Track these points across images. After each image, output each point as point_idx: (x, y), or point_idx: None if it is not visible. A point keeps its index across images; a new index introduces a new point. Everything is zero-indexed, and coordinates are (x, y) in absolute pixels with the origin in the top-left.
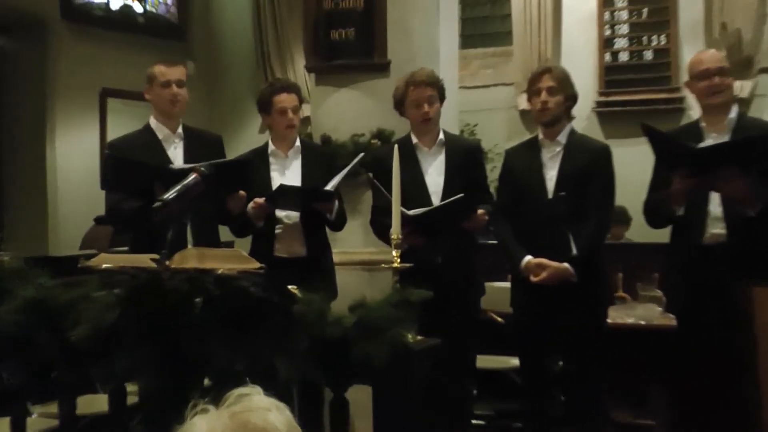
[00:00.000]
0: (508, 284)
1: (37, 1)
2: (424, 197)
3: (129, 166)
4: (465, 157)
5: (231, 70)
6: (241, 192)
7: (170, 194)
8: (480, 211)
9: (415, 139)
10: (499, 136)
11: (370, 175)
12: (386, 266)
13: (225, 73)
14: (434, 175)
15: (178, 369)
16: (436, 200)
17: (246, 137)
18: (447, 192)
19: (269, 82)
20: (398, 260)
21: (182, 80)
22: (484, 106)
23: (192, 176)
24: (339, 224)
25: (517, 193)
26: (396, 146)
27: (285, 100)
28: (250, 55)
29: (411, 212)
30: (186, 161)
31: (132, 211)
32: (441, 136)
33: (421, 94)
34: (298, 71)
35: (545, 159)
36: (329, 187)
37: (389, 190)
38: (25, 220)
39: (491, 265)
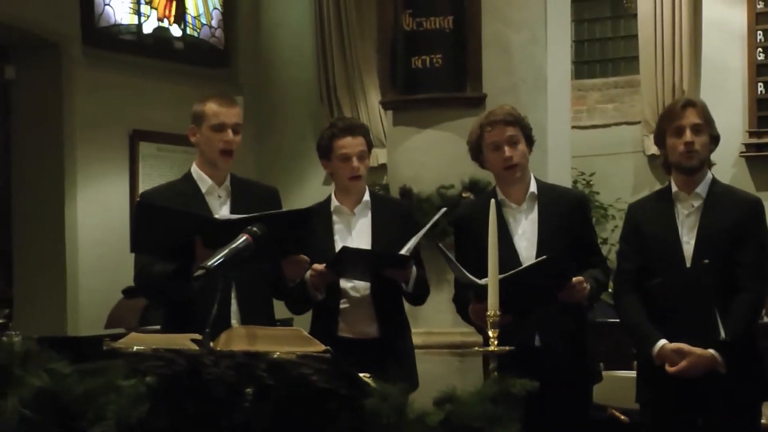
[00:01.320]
0: (633, 374)
1: (52, 21)
2: (514, 265)
3: (162, 216)
4: (566, 213)
5: (287, 105)
6: (303, 256)
7: (214, 260)
8: (578, 279)
9: (500, 194)
10: (622, 188)
11: (444, 242)
12: (481, 350)
13: (280, 110)
14: (527, 236)
15: None
16: None
17: (306, 190)
18: (543, 256)
19: (330, 123)
20: (496, 342)
21: (239, 124)
22: (604, 151)
23: (242, 238)
24: (419, 297)
25: (645, 259)
26: (492, 201)
27: (348, 145)
28: (311, 88)
29: (484, 281)
30: None
31: (164, 275)
32: (533, 187)
33: (499, 135)
34: (372, 107)
35: (681, 217)
36: (404, 250)
37: (475, 258)
38: (39, 293)
39: (612, 349)
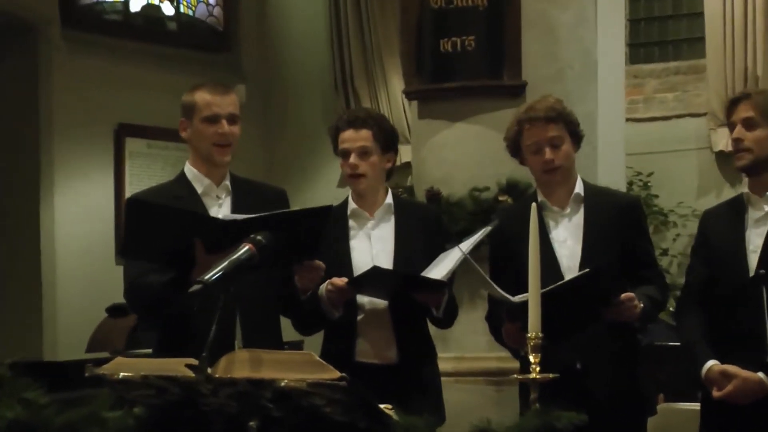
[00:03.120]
0: (697, 406)
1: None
2: (554, 277)
3: (158, 216)
4: (616, 218)
5: (297, 95)
6: (318, 262)
7: (212, 273)
8: (627, 295)
9: (540, 196)
10: (685, 191)
11: (461, 248)
12: (520, 378)
13: (289, 101)
14: (569, 244)
15: None
16: None
17: (319, 192)
18: (587, 267)
19: (339, 115)
20: (538, 369)
21: (236, 114)
22: (664, 147)
23: (244, 248)
24: (447, 319)
25: (712, 271)
26: (534, 205)
27: (348, 139)
28: (324, 75)
29: (518, 299)
30: None
31: (161, 285)
32: (578, 188)
33: (539, 135)
34: (394, 98)
35: (750, 222)
36: (442, 274)
37: (511, 271)
38: (12, 311)
39: (675, 376)
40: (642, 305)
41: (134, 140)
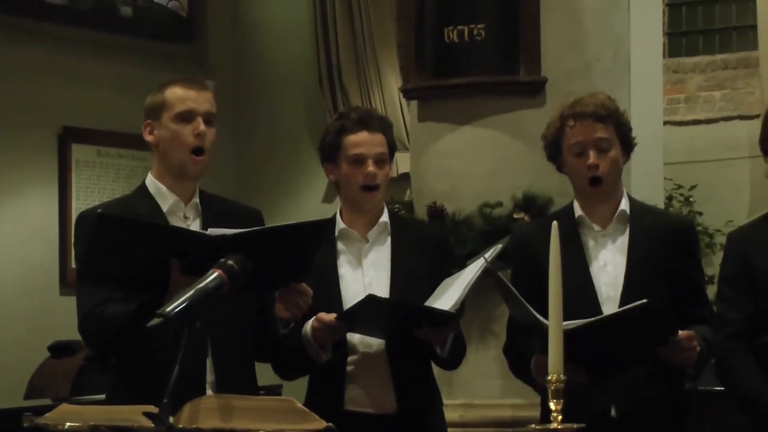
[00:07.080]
0: None
1: None
2: (592, 308)
3: (128, 234)
4: (666, 244)
5: (275, 94)
6: (304, 285)
7: (176, 304)
8: (687, 333)
9: (579, 211)
10: (735, 207)
11: (499, 273)
12: (540, 428)
13: (264, 100)
14: (610, 270)
15: None
16: (611, 310)
17: (299, 209)
18: (629, 297)
19: (339, 114)
20: (560, 418)
21: (213, 114)
22: (710, 155)
23: (213, 275)
24: (455, 359)
25: (760, 305)
26: (555, 223)
27: (363, 142)
28: (307, 70)
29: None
30: None
31: (126, 317)
32: (624, 205)
33: (585, 134)
34: (390, 97)
35: None
36: (449, 304)
37: (540, 300)
38: None
39: (721, 427)
40: (699, 348)
41: (82, 147)
